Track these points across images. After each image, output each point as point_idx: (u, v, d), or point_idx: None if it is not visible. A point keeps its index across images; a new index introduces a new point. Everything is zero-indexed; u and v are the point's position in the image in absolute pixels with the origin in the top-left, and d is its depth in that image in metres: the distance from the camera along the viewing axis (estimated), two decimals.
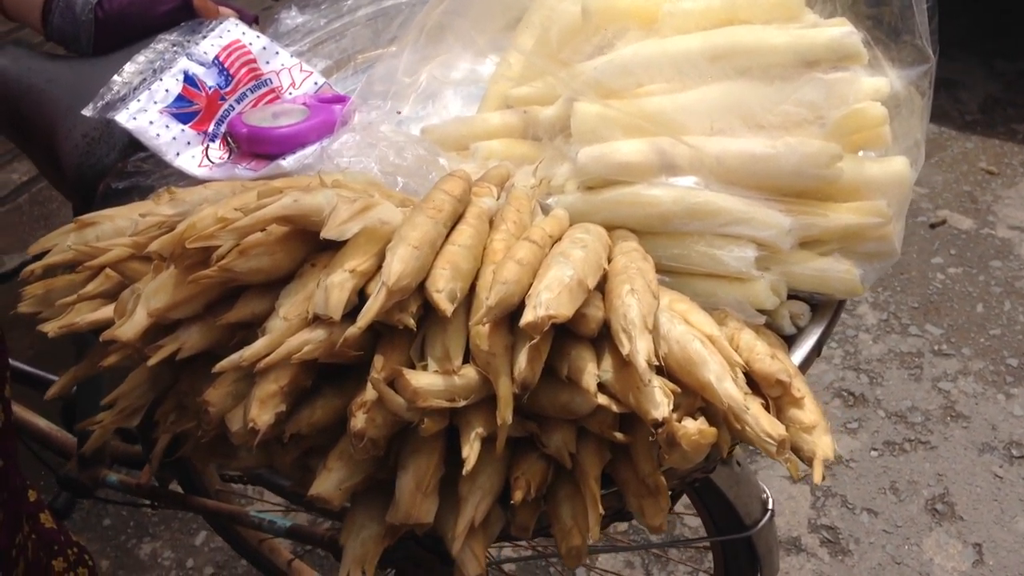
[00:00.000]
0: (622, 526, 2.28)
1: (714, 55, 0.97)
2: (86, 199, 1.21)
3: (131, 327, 0.81)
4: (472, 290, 0.84)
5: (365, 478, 0.85)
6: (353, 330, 0.76)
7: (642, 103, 0.99)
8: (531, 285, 0.80)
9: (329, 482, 0.83)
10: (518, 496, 0.82)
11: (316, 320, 0.80)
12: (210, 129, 1.20)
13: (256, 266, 0.82)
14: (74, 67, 1.25)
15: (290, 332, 0.80)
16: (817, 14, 1.04)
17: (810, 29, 0.96)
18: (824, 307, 1.02)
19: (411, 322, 0.79)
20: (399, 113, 1.13)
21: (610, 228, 1.00)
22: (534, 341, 0.78)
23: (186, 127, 1.17)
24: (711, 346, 0.84)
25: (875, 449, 2.45)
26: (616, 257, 0.90)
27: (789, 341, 1.00)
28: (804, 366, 0.99)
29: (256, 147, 1.15)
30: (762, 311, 0.97)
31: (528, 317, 0.76)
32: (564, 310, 0.77)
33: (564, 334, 0.84)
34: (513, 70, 1.18)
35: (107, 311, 0.87)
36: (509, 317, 0.81)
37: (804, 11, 1.04)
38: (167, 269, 0.82)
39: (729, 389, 0.81)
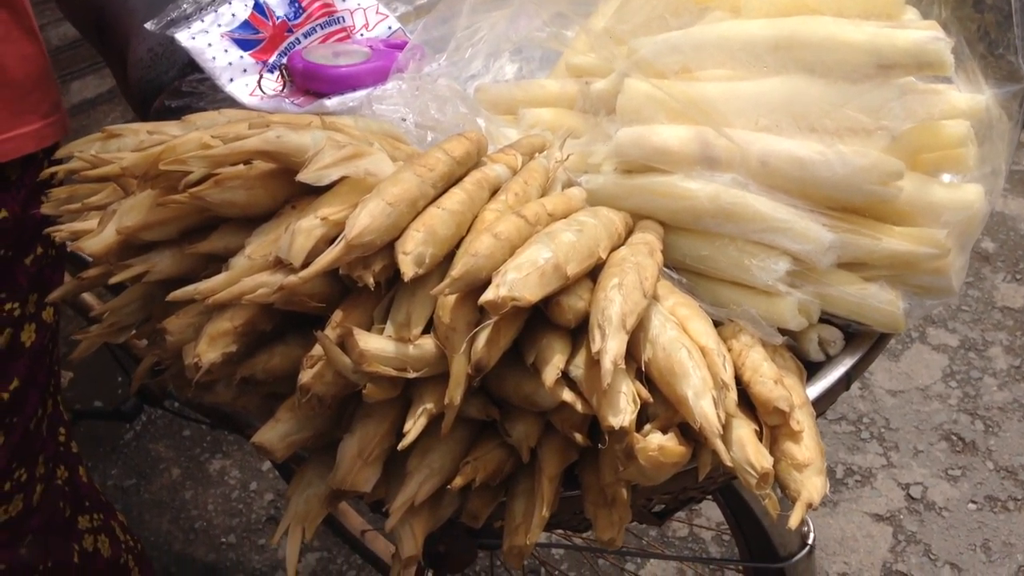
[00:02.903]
0: (682, 531, 2.19)
1: (776, 44, 0.88)
2: (146, 114, 1.21)
3: (98, 241, 0.80)
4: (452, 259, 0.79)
5: (316, 435, 0.82)
6: (293, 279, 0.72)
7: (690, 88, 0.91)
8: (504, 262, 0.74)
9: (274, 432, 0.80)
10: (457, 482, 0.76)
11: (278, 264, 0.77)
12: (271, 60, 1.17)
13: (231, 199, 0.79)
14: None
15: (250, 272, 0.77)
16: (917, 14, 0.93)
17: (891, 28, 0.85)
18: (861, 338, 0.92)
19: (370, 280, 0.75)
20: (438, 64, 1.08)
21: (639, 217, 0.93)
22: (494, 321, 0.72)
23: (245, 54, 1.15)
24: (698, 359, 0.76)
25: (974, 502, 2.26)
26: (621, 248, 0.83)
27: (814, 369, 0.91)
28: (826, 398, 0.90)
29: (309, 83, 1.12)
30: (786, 331, 0.88)
31: (488, 295, 0.70)
32: (528, 294, 0.71)
33: (542, 321, 0.78)
34: (585, 40, 1.10)
35: (92, 223, 0.86)
36: (478, 293, 0.75)
37: (904, 9, 0.92)
38: (145, 189, 0.80)
39: (705, 408, 0.73)
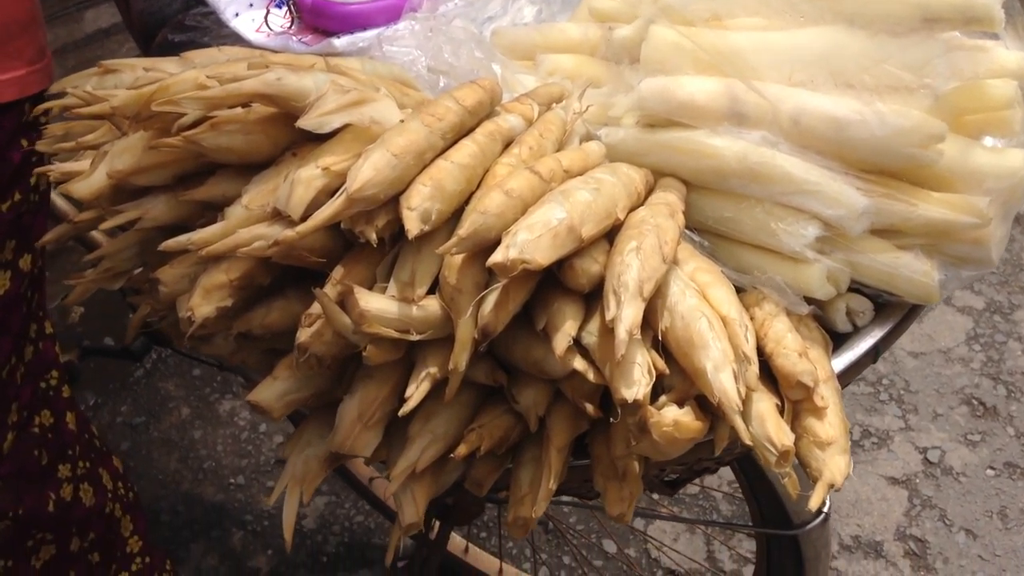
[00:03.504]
0: (692, 488, 2.16)
1: None
2: (147, 48, 1.16)
3: (87, 185, 0.76)
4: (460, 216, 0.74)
5: (315, 394, 0.78)
6: (291, 233, 0.67)
7: (719, 37, 0.85)
8: (515, 221, 0.69)
9: (271, 391, 0.76)
10: (461, 450, 0.73)
11: (276, 215, 0.72)
12: None
13: (227, 144, 0.74)
14: None
15: (247, 223, 0.73)
16: None
17: None
18: (892, 309, 0.87)
19: (372, 236, 0.70)
20: (454, 3, 1.02)
21: (660, 175, 0.88)
22: (503, 284, 0.68)
23: None
24: (719, 329, 0.72)
25: (992, 468, 2.22)
26: (640, 208, 0.78)
27: (840, 340, 0.86)
28: (852, 371, 0.85)
29: (318, 21, 1.07)
30: (813, 300, 0.83)
31: (496, 256, 0.66)
32: (540, 256, 0.67)
33: (555, 284, 0.73)
34: None
35: (83, 164, 0.82)
36: (487, 253, 0.71)
37: None
38: (138, 131, 0.75)
39: (724, 382, 0.69)
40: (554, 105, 0.87)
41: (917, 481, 2.20)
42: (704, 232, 0.87)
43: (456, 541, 1.91)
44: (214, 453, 2.31)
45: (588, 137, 0.91)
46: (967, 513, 2.13)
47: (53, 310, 2.62)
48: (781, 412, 0.76)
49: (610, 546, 2.09)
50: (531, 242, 0.67)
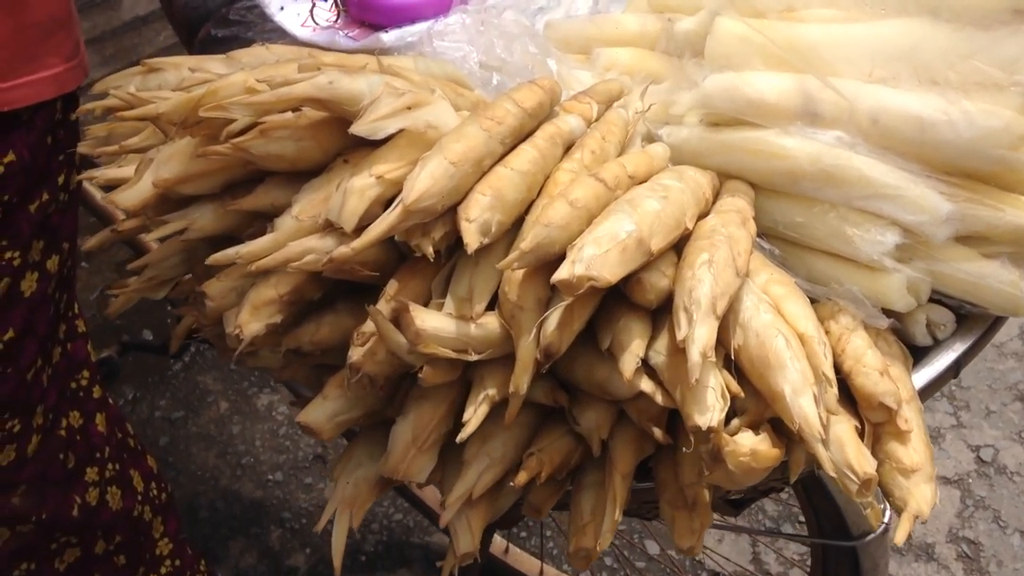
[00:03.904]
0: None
1: None
2: (190, 42, 1.13)
3: (133, 195, 0.72)
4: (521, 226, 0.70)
5: (366, 414, 0.74)
6: (345, 250, 0.63)
7: (792, 30, 0.80)
8: (580, 233, 0.65)
9: (321, 411, 0.73)
10: (521, 478, 0.69)
11: (328, 227, 0.69)
12: None
13: (278, 151, 0.70)
14: None
15: (297, 235, 0.69)
16: None
17: None
18: (974, 321, 0.82)
19: (429, 250, 0.66)
20: None
21: (725, 177, 0.83)
22: (567, 302, 0.63)
23: None
24: (797, 348, 0.67)
25: None
26: (709, 216, 0.74)
27: (920, 354, 0.81)
28: (931, 388, 0.80)
29: (365, 14, 1.03)
30: (891, 312, 0.78)
31: (562, 273, 0.62)
32: (608, 273, 0.62)
33: (619, 298, 0.69)
34: None
35: (129, 169, 0.78)
36: (551, 267, 0.67)
37: None
38: (183, 137, 0.72)
39: (804, 408, 0.64)
40: (615, 105, 0.83)
41: (970, 481, 2.13)
42: (773, 238, 0.82)
43: (496, 542, 1.87)
44: (252, 448, 2.29)
45: (649, 137, 0.86)
46: (1022, 514, 2.07)
47: (92, 302, 2.61)
48: (860, 435, 0.71)
49: (653, 547, 2.04)
50: (598, 257, 0.62)
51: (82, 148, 0.91)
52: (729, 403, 0.64)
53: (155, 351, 1.93)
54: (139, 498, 1.42)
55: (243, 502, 2.20)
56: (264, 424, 2.35)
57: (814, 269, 0.80)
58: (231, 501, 2.20)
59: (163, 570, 1.50)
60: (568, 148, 0.76)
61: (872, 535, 1.26)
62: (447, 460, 0.74)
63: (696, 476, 0.69)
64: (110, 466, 1.35)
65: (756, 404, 0.69)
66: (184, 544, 1.55)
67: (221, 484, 2.23)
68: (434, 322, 0.66)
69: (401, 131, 0.69)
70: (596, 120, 0.81)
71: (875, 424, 0.72)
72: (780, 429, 0.69)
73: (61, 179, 1.11)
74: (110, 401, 1.39)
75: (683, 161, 0.83)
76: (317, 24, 1.04)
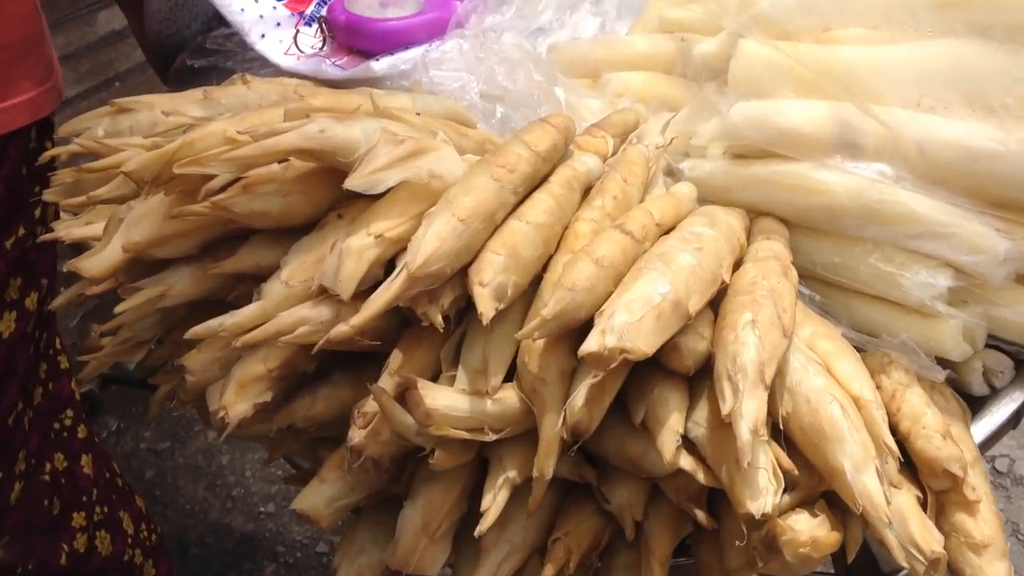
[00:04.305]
0: None
1: (944, 1, 0.69)
2: (164, 73, 1.05)
3: (100, 261, 0.64)
4: (537, 286, 0.63)
5: (369, 496, 0.67)
6: (344, 329, 0.56)
7: (827, 53, 0.73)
8: (608, 296, 0.58)
9: (319, 496, 0.65)
10: (548, 572, 0.61)
11: (322, 293, 0.61)
12: (308, 11, 1.00)
13: (263, 208, 0.63)
14: None
15: (288, 303, 0.62)
16: None
17: None
18: None
19: (438, 319, 0.59)
20: (503, 16, 0.90)
21: (755, 214, 0.76)
22: (598, 379, 0.56)
23: (279, 4, 0.98)
24: (855, 416, 0.60)
25: None
26: (745, 263, 0.66)
27: (976, 404, 0.74)
28: (990, 442, 0.73)
29: (353, 40, 0.95)
30: (945, 362, 0.71)
31: (591, 345, 0.54)
32: (643, 343, 0.55)
33: (651, 363, 0.61)
34: None
35: (97, 228, 0.70)
36: (575, 334, 0.59)
37: None
38: (155, 194, 0.64)
39: (868, 487, 0.57)
40: (633, 139, 0.75)
41: None
42: (810, 280, 0.75)
43: None
44: (242, 480, 2.21)
45: (669, 171, 0.79)
46: None
47: (72, 330, 2.52)
48: (922, 505, 0.64)
49: None
50: (632, 326, 0.55)
51: (47, 197, 0.83)
52: (783, 484, 0.57)
53: (138, 385, 1.85)
54: (129, 541, 1.36)
55: (235, 536, 2.12)
56: (254, 453, 2.26)
57: (858, 315, 0.73)
58: (222, 535, 2.12)
59: None
60: (586, 192, 0.68)
61: (904, 571, 1.19)
62: (461, 545, 0.66)
63: (744, 561, 0.62)
64: (98, 509, 1.29)
65: (809, 477, 0.61)
66: None
67: (211, 518, 2.15)
68: (446, 400, 0.58)
69: (402, 183, 0.62)
70: (612, 156, 0.74)
71: (938, 492, 0.65)
72: (832, 501, 0.62)
73: (38, 212, 1.05)
74: (96, 439, 1.32)
75: (708, 197, 0.76)
76: (301, 52, 0.96)
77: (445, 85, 0.85)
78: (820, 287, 0.75)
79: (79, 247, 1.26)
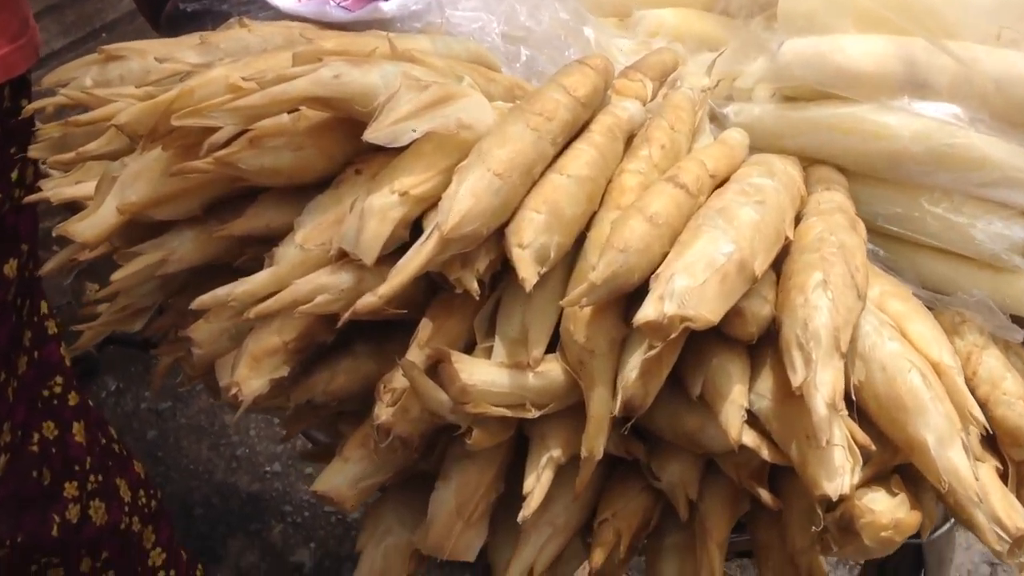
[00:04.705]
0: None
1: None
2: (155, 19, 0.98)
3: (93, 224, 0.58)
4: (580, 245, 0.56)
5: (396, 474, 0.61)
6: (370, 299, 0.50)
7: None
8: (664, 257, 0.51)
9: (342, 476, 0.59)
10: (597, 558, 0.56)
11: (342, 257, 0.55)
12: None
13: (272, 164, 0.56)
14: None
15: (304, 268, 0.55)
16: None
17: None
18: None
19: (473, 286, 0.53)
20: None
21: (808, 162, 0.69)
22: (656, 351, 0.50)
23: None
24: (936, 385, 0.54)
25: None
26: (808, 217, 0.60)
27: None
28: None
29: None
30: (1021, 321, 0.65)
31: (648, 313, 0.48)
32: (707, 311, 0.49)
33: (709, 330, 0.55)
34: None
35: (88, 187, 0.64)
36: (625, 299, 0.53)
37: None
38: (151, 149, 0.57)
39: (955, 463, 0.52)
40: (677, 82, 0.68)
41: None
42: (869, 233, 0.69)
43: None
44: (247, 439, 2.17)
45: (712, 116, 0.72)
46: None
47: (65, 288, 2.46)
48: (1003, 477, 0.58)
49: None
50: (694, 291, 0.49)
51: (33, 153, 0.77)
52: (860, 461, 0.51)
53: (137, 345, 1.79)
54: (126, 509, 1.33)
55: (240, 496, 2.08)
56: (258, 412, 2.22)
57: (923, 270, 0.68)
58: (227, 496, 2.08)
59: None
60: (628, 141, 0.62)
61: (940, 530, 1.15)
62: (496, 526, 0.61)
63: (808, 541, 0.56)
64: (92, 478, 1.25)
65: (882, 450, 0.56)
66: (179, 551, 1.45)
67: (216, 478, 2.11)
68: (483, 374, 0.53)
69: (427, 134, 0.55)
70: (652, 101, 0.67)
71: (1019, 462, 0.59)
72: (907, 473, 0.57)
73: (15, 174, 0.98)
74: (90, 404, 1.27)
75: (755, 145, 0.70)
76: None
77: (462, 27, 0.78)
78: (882, 240, 0.69)
79: (71, 207, 1.20)
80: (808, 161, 0.70)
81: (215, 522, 2.03)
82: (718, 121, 0.73)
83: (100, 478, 1.28)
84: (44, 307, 1.19)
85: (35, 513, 1.18)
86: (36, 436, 1.17)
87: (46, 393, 1.19)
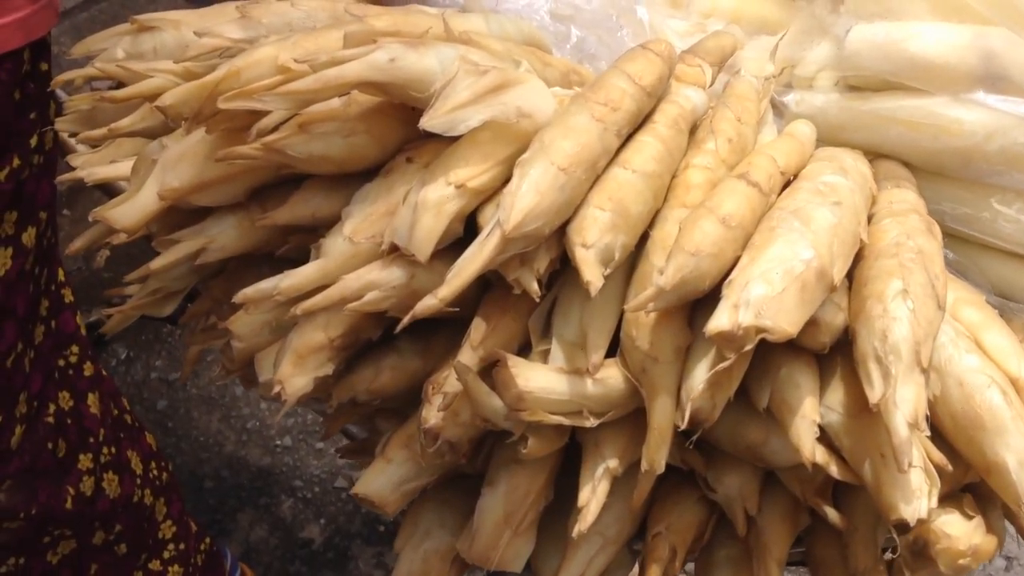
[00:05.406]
0: None
1: None
2: None
3: (132, 210, 0.55)
4: (642, 245, 0.53)
5: (440, 477, 0.58)
6: (431, 302, 0.47)
7: None
8: (736, 261, 0.49)
9: (384, 479, 0.57)
10: (653, 574, 0.53)
11: (393, 251, 0.52)
12: None
13: (323, 151, 0.53)
14: None
15: (353, 263, 0.53)
16: None
17: None
18: None
19: (533, 288, 0.50)
20: None
21: (871, 155, 0.66)
22: (728, 362, 0.47)
23: None
24: (1017, 403, 0.51)
25: None
26: (881, 218, 0.57)
27: None
28: None
29: None
30: None
31: (722, 322, 0.46)
32: (786, 322, 0.46)
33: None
34: None
35: (123, 168, 0.61)
36: (691, 304, 0.50)
37: None
38: (196, 130, 0.54)
39: None
40: (738, 69, 0.65)
41: None
42: None
43: None
44: (258, 411, 2.15)
45: (772, 106, 0.69)
46: None
47: (78, 255, 2.44)
48: None
49: None
50: (771, 300, 0.46)
51: (61, 125, 0.74)
52: (938, 483, 0.49)
53: (146, 316, 1.76)
54: (138, 481, 1.31)
55: (250, 470, 2.06)
56: None
57: (992, 274, 0.65)
58: (238, 469, 2.07)
59: (166, 555, 1.40)
60: (692, 130, 0.59)
61: None
62: (542, 535, 0.58)
63: (872, 560, 0.54)
64: (105, 450, 1.23)
65: (954, 468, 0.53)
66: (188, 524, 1.44)
67: (226, 451, 2.09)
68: (540, 380, 0.50)
69: (484, 122, 0.52)
70: (710, 87, 0.64)
71: None
72: (978, 492, 0.54)
73: (34, 140, 0.96)
74: (104, 375, 1.26)
75: (821, 138, 0.66)
76: None
77: (508, 3, 0.75)
78: (949, 242, 0.66)
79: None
80: (870, 156, 0.66)
81: (225, 495, 2.02)
82: (777, 110, 0.70)
83: (113, 450, 1.27)
84: (61, 274, 1.17)
85: (50, 485, 1.17)
86: (52, 407, 1.15)
87: (62, 363, 1.17)
